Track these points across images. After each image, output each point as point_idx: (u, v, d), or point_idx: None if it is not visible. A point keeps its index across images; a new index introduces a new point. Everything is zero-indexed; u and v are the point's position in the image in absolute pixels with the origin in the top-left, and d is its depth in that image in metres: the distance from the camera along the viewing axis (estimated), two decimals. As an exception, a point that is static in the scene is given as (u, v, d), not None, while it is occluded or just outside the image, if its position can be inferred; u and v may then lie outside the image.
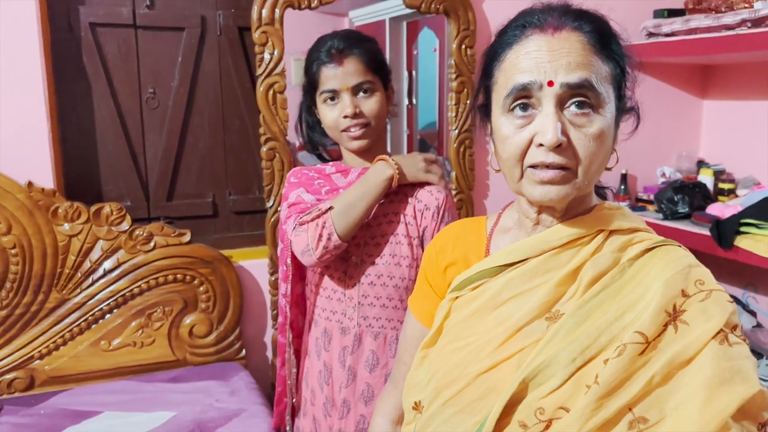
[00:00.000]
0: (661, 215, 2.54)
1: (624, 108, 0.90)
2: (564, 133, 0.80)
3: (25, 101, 1.99)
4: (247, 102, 2.39)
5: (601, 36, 0.83)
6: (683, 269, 0.82)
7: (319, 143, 1.47)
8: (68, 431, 1.81)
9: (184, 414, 1.89)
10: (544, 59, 0.80)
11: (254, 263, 2.32)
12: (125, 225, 2.09)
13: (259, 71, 2.11)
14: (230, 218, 2.51)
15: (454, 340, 0.92)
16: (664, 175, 2.85)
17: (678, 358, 0.77)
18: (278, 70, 2.12)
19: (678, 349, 0.77)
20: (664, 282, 0.81)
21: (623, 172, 2.80)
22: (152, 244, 2.12)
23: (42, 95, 2.01)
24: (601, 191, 1.05)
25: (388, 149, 1.50)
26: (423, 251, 1.34)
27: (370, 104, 1.32)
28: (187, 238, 2.16)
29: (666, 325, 0.79)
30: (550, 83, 0.79)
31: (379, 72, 1.35)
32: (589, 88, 0.80)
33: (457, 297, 0.95)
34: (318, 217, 1.26)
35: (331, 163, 1.48)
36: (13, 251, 1.97)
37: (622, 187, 2.81)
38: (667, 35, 2.46)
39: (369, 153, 1.39)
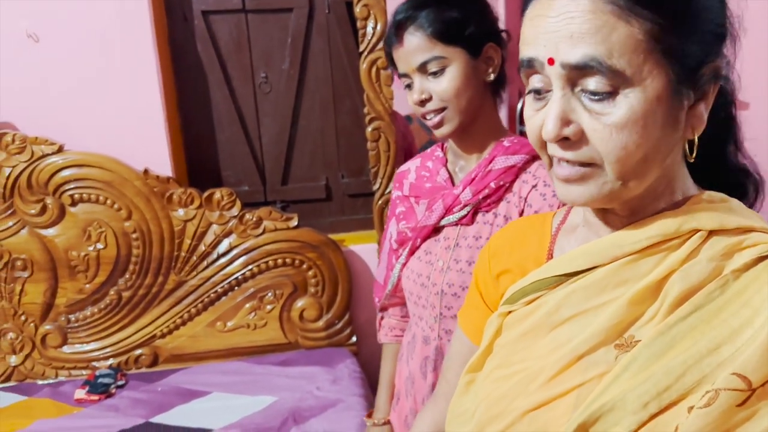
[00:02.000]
0: None
1: (695, 78, 0.62)
2: (577, 121, 0.60)
3: (142, 92, 2.08)
4: (357, 81, 2.31)
5: None
6: None
7: None
8: (177, 409, 1.89)
9: (284, 400, 1.88)
10: (545, 28, 0.60)
11: (365, 248, 2.25)
12: (235, 210, 2.12)
13: (361, 47, 2.02)
14: (344, 201, 2.46)
15: (502, 365, 0.75)
16: None
17: None
18: (381, 45, 2.01)
19: None
20: None
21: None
22: (262, 228, 2.14)
23: (157, 86, 2.09)
24: (736, 177, 0.74)
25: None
26: None
27: (440, 85, 1.08)
28: (294, 222, 2.14)
29: None
30: (550, 61, 0.60)
31: (454, 40, 1.08)
32: (596, 68, 0.58)
33: (509, 312, 0.77)
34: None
35: (438, 149, 1.27)
36: (134, 236, 2.09)
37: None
38: None
39: (469, 138, 1.14)
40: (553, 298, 0.71)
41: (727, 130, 0.72)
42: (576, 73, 0.59)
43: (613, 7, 0.57)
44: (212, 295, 2.16)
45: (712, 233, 0.65)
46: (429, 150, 1.30)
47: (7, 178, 2.01)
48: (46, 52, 2.02)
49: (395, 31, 1.10)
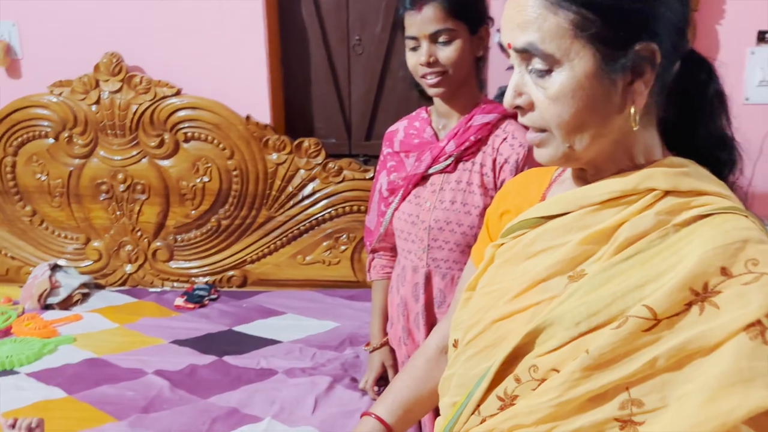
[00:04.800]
0: None
1: (625, 59, 0.72)
2: (528, 93, 0.76)
3: (250, 47, 2.38)
4: (442, 48, 2.48)
5: None
6: (733, 243, 0.69)
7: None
8: (256, 322, 2.22)
9: (345, 327, 2.16)
10: (507, 18, 0.75)
11: (434, 203, 2.45)
12: (320, 158, 2.39)
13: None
14: (421, 159, 2.66)
15: (487, 284, 0.92)
16: None
17: (693, 343, 0.67)
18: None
19: (696, 333, 0.67)
20: (700, 255, 0.69)
21: None
22: (342, 176, 2.40)
23: (263, 42, 2.37)
24: (720, 154, 0.82)
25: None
26: None
27: (447, 52, 1.28)
28: (371, 174, 2.37)
29: (689, 305, 0.68)
30: (509, 46, 0.75)
31: (463, 17, 1.29)
32: (533, 52, 0.72)
33: (501, 244, 0.96)
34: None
35: (423, 112, 1.48)
36: (234, 173, 2.41)
37: None
38: None
39: (455, 99, 1.36)
40: (531, 235, 0.85)
41: (713, 107, 0.81)
42: (524, 55, 0.74)
43: (544, 1, 0.71)
44: (295, 231, 2.46)
45: (668, 193, 0.76)
46: (414, 113, 1.51)
47: (134, 113, 2.38)
48: (170, 8, 2.34)
49: (415, 1, 1.29)
